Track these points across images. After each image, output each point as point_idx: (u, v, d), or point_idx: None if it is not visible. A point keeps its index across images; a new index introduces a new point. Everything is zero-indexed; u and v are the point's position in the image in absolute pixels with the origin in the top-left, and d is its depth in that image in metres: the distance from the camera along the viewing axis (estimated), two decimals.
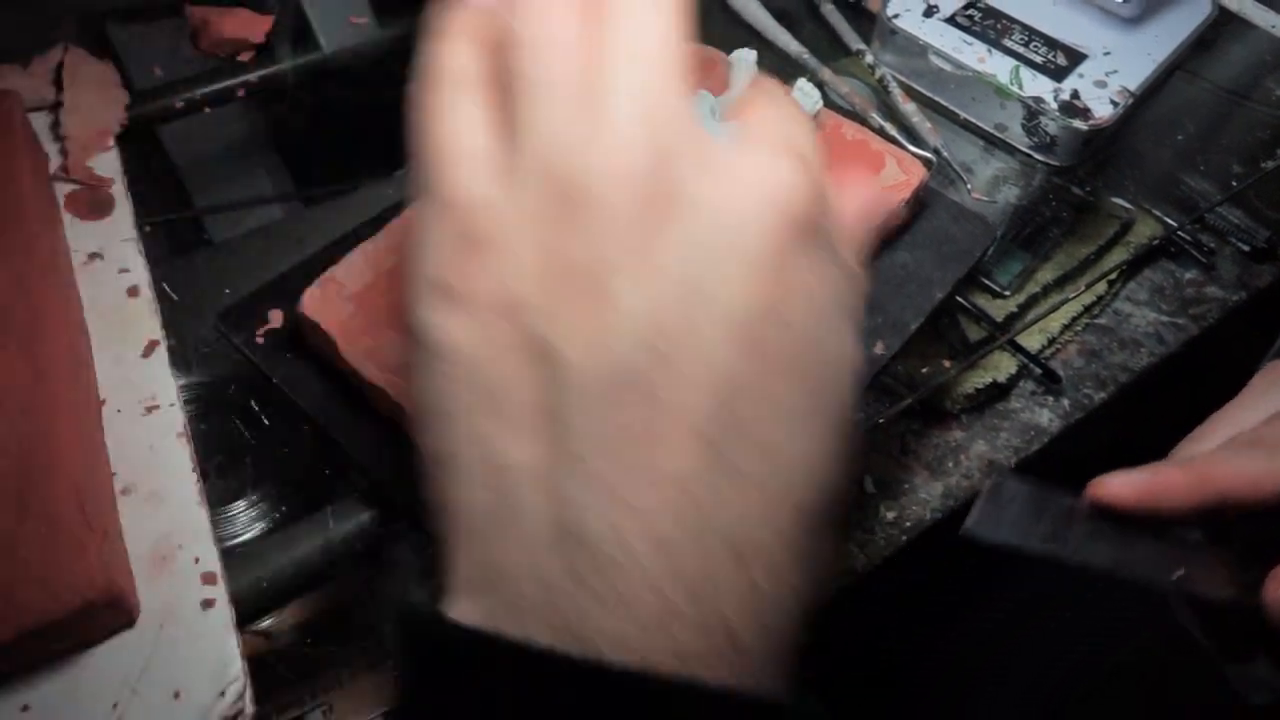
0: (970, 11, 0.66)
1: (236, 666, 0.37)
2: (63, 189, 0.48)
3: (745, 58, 0.55)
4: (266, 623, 0.47)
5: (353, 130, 0.67)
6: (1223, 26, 0.74)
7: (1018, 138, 0.64)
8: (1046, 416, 0.57)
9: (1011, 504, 0.36)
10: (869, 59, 0.67)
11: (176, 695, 0.35)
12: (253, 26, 0.59)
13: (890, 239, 0.53)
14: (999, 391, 0.58)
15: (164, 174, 0.64)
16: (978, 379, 0.57)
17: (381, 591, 0.43)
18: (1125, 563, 0.36)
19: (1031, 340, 0.60)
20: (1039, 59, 0.64)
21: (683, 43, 0.27)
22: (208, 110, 0.60)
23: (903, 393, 0.54)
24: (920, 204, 0.55)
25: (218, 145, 0.67)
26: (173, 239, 0.63)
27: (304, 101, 0.66)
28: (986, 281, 0.61)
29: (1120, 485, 0.37)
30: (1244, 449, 0.37)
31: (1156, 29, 0.67)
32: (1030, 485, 0.37)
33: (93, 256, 0.46)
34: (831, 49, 0.70)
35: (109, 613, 0.35)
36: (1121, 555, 0.36)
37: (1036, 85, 0.62)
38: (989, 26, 0.66)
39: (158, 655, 0.36)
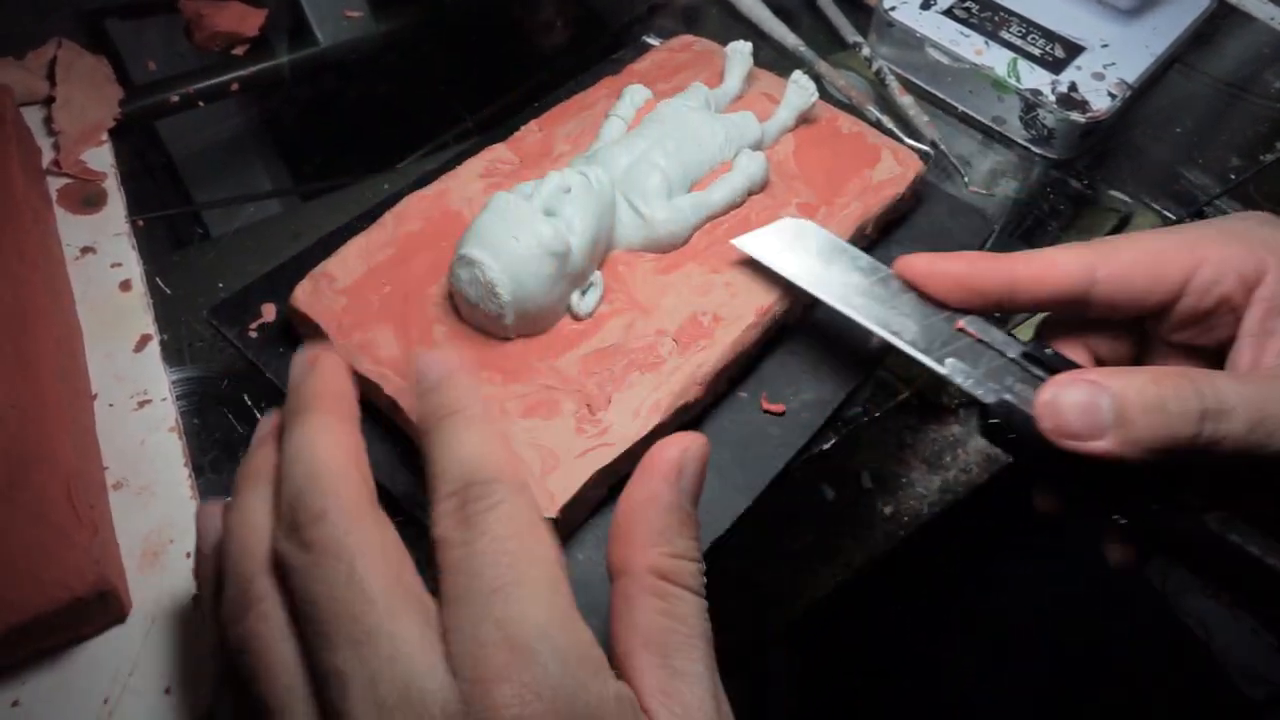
0: (967, 4, 0.66)
1: None
2: (55, 183, 0.48)
3: (740, 50, 0.55)
4: None
5: (350, 124, 0.67)
6: (1221, 19, 0.74)
7: (1015, 130, 0.63)
8: None
9: (806, 239, 0.43)
10: (866, 52, 0.67)
11: (168, 690, 0.35)
12: (246, 20, 0.59)
13: (887, 232, 0.53)
14: None
15: (162, 169, 0.64)
16: None
17: None
18: (899, 328, 0.40)
19: (1028, 334, 0.60)
20: (1036, 51, 0.63)
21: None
22: (201, 105, 0.60)
23: (900, 388, 0.53)
24: (917, 197, 0.54)
25: (216, 140, 0.67)
26: (171, 234, 0.62)
27: (301, 96, 0.66)
28: None
29: (914, 257, 0.40)
30: (1061, 247, 0.39)
31: (1155, 21, 0.67)
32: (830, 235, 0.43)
33: (85, 251, 0.46)
34: (828, 42, 0.70)
35: (99, 607, 0.35)
36: (898, 326, 0.40)
37: (1034, 78, 0.62)
38: (986, 19, 0.65)
39: (149, 650, 0.36)
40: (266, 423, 0.32)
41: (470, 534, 0.27)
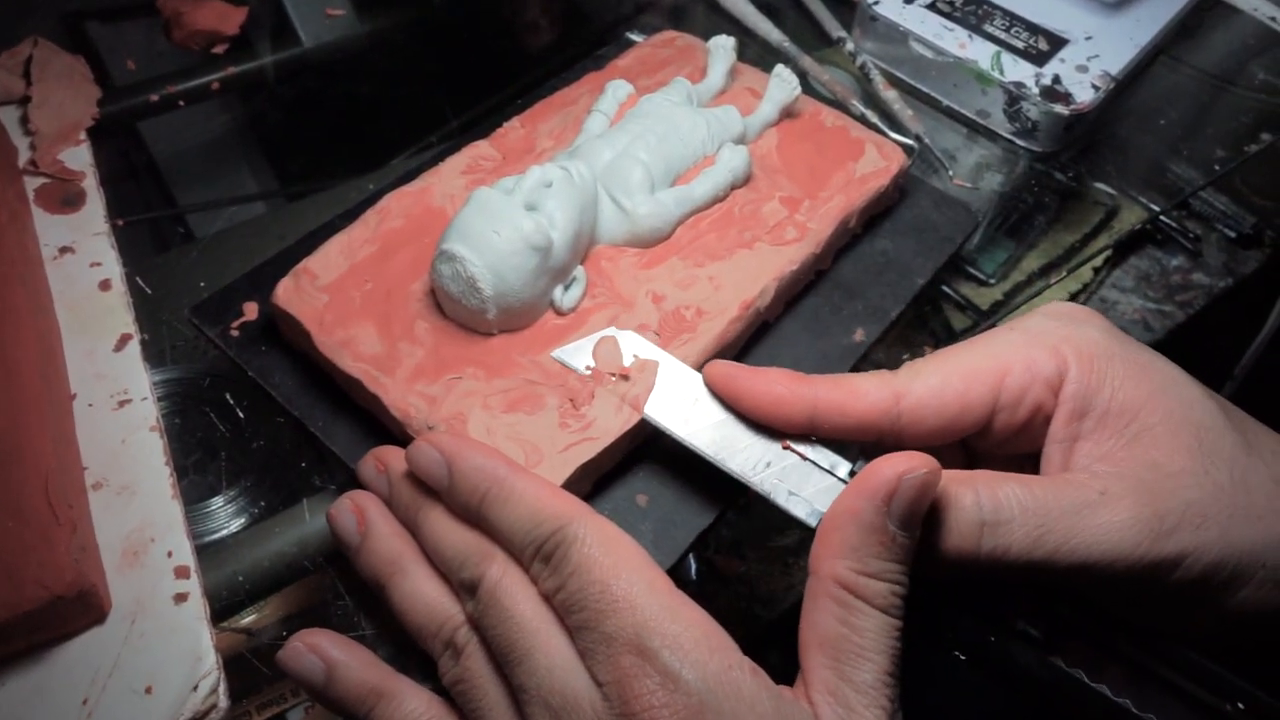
0: None
1: (210, 660, 0.36)
2: (32, 183, 0.47)
3: (723, 44, 0.55)
4: (247, 620, 0.46)
5: (334, 125, 0.67)
6: (1206, 11, 0.74)
7: (999, 124, 0.63)
8: None
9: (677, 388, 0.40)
10: (850, 47, 0.67)
11: (148, 690, 0.35)
12: (226, 19, 0.59)
13: (871, 226, 0.53)
14: None
15: (143, 169, 0.64)
16: None
17: (361, 585, 0.42)
18: (724, 446, 0.38)
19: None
20: (1020, 44, 0.63)
21: None
22: (182, 105, 0.59)
23: None
24: (901, 191, 0.54)
25: (198, 140, 0.67)
26: (152, 234, 0.62)
27: (284, 96, 0.65)
28: (971, 270, 0.60)
29: (718, 365, 0.39)
30: (867, 375, 0.37)
31: (1139, 13, 0.67)
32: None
33: (63, 250, 0.46)
34: (813, 38, 0.69)
35: (78, 607, 0.35)
36: (724, 444, 0.37)
37: (1018, 71, 0.62)
38: (970, 12, 0.65)
39: (129, 650, 0.36)
40: (376, 510, 0.38)
41: (560, 578, 0.32)
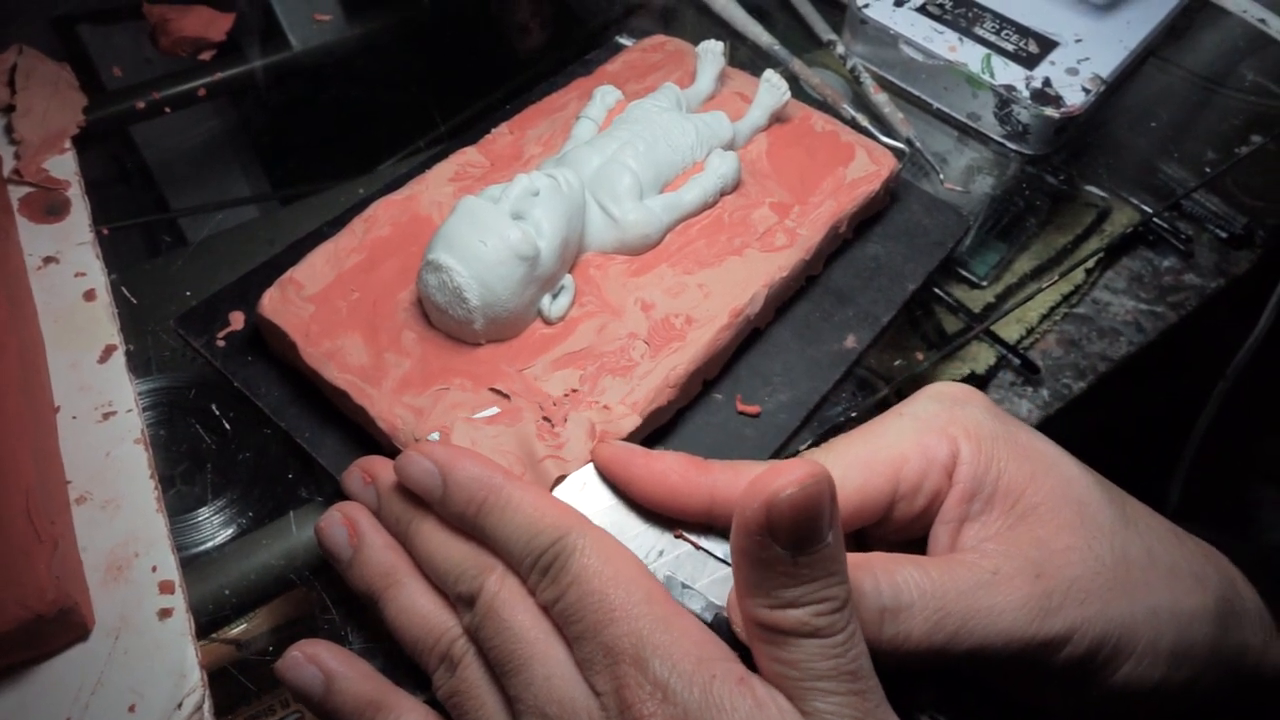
0: (941, 0, 0.66)
1: (195, 677, 0.36)
2: (16, 192, 0.47)
3: (712, 49, 0.55)
4: (236, 630, 0.46)
5: (324, 129, 0.67)
6: (1195, 12, 0.74)
7: (990, 127, 0.63)
8: (1025, 407, 0.57)
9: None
10: (840, 50, 0.66)
11: (132, 708, 0.34)
12: (213, 25, 0.58)
13: (862, 231, 0.53)
14: (977, 383, 0.57)
15: (129, 177, 0.63)
16: (955, 370, 0.56)
17: (348, 598, 0.42)
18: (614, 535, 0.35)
19: (1010, 331, 0.60)
20: (1010, 47, 0.63)
21: None
22: (168, 112, 0.59)
23: (878, 385, 0.53)
24: (892, 195, 0.54)
25: (185, 147, 0.66)
26: (138, 243, 0.62)
27: (273, 101, 0.65)
28: (963, 273, 0.60)
29: (608, 448, 0.37)
30: (765, 466, 0.35)
31: (1129, 15, 0.67)
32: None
33: (47, 260, 0.45)
34: (803, 41, 0.69)
35: (60, 625, 0.34)
36: (614, 531, 0.35)
37: (1008, 73, 0.62)
38: (960, 15, 0.65)
39: (113, 667, 0.35)
40: (367, 523, 0.37)
41: (559, 588, 0.32)
